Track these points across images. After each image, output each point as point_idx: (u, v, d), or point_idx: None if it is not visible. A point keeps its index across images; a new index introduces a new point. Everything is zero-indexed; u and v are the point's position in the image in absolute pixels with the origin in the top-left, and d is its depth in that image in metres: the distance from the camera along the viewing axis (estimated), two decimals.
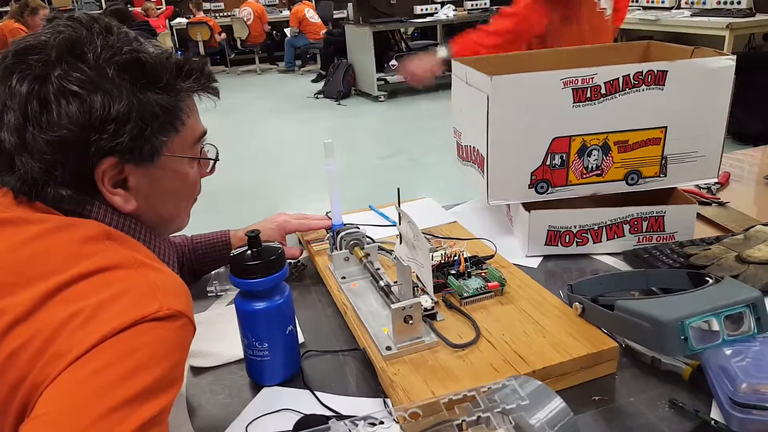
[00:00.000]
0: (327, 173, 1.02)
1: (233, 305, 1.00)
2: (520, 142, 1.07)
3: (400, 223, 0.86)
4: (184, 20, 9.33)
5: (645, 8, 5.11)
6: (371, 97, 6.81)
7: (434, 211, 1.30)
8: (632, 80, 1.05)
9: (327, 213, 1.20)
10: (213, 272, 1.10)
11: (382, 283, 0.87)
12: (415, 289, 0.88)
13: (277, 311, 0.76)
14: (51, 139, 0.61)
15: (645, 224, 1.08)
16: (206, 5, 9.74)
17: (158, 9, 8.88)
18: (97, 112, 0.62)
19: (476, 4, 7.03)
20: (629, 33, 5.52)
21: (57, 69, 0.62)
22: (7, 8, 5.25)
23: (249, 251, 0.75)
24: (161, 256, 0.74)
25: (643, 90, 1.06)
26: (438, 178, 4.18)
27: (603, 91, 1.05)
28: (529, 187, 1.10)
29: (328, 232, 1.14)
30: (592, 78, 1.04)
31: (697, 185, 1.34)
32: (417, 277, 0.88)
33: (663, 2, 4.98)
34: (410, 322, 0.76)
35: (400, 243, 0.88)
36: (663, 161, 1.12)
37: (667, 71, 1.05)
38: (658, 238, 1.09)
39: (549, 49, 1.73)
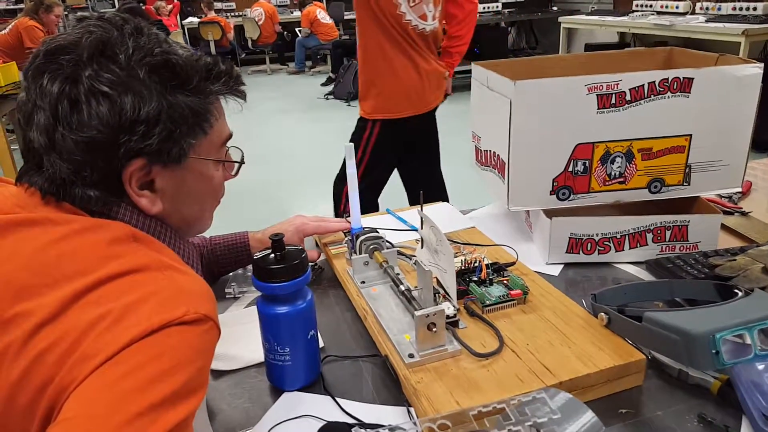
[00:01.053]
0: (348, 176, 1.01)
1: (252, 307, 1.00)
2: (543, 148, 1.06)
3: (422, 227, 0.85)
4: (195, 19, 9.36)
5: (659, 13, 5.07)
6: None
7: (452, 215, 1.29)
8: (657, 87, 1.04)
9: (345, 216, 1.19)
10: (231, 274, 1.09)
11: (402, 288, 0.86)
12: (436, 295, 0.87)
13: (299, 316, 0.76)
14: (80, 140, 0.61)
15: (668, 233, 1.07)
16: (217, 5, 9.77)
17: (168, 7, 8.91)
18: (127, 113, 0.62)
19: (488, 7, 7.01)
20: (644, 38, 5.50)
21: (88, 69, 0.61)
22: (22, 5, 5.30)
23: (272, 255, 0.74)
24: (186, 258, 0.73)
25: (668, 97, 1.05)
26: (447, 180, 4.17)
27: (628, 97, 1.04)
28: (550, 194, 1.09)
29: (346, 236, 1.13)
30: (617, 84, 1.03)
31: (719, 194, 1.32)
32: (437, 282, 0.87)
33: (677, 8, 4.94)
34: (434, 329, 0.75)
35: (422, 247, 0.87)
36: (687, 169, 1.10)
37: (693, 78, 1.04)
38: (682, 248, 1.08)
39: (570, 54, 1.73)
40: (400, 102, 2.25)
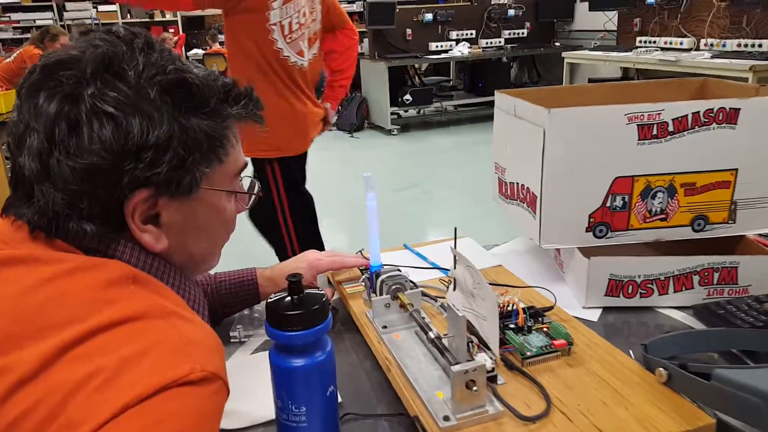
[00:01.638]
0: (368, 209, 0.92)
1: (261, 354, 0.90)
2: (579, 182, 0.98)
3: (455, 267, 0.76)
4: (200, 51, 9.42)
5: (663, 49, 5.08)
6: (384, 130, 6.78)
7: (476, 252, 1.20)
8: (702, 118, 0.96)
9: (360, 251, 1.10)
10: (236, 315, 1.00)
11: (432, 335, 0.76)
12: (470, 344, 0.77)
13: (318, 369, 0.66)
14: (79, 167, 0.52)
15: (716, 276, 0.98)
16: (221, 37, 9.84)
17: (174, 38, 8.97)
18: (134, 137, 0.53)
19: (491, 42, 7.05)
20: (647, 74, 5.49)
21: (91, 87, 0.53)
22: (29, 35, 5.29)
23: (289, 298, 0.65)
24: (191, 302, 0.64)
25: (713, 128, 0.97)
26: (453, 212, 4.09)
27: (670, 128, 0.96)
28: (586, 231, 1.00)
29: (363, 273, 1.04)
30: (659, 114, 0.95)
31: (762, 234, 1.24)
32: (469, 329, 0.77)
33: (681, 44, 4.95)
34: (474, 388, 0.65)
35: (454, 289, 0.78)
36: (732, 206, 1.02)
37: (739, 109, 0.96)
38: (731, 292, 0.99)
39: (597, 84, 1.67)
40: (290, 139, 2.23)
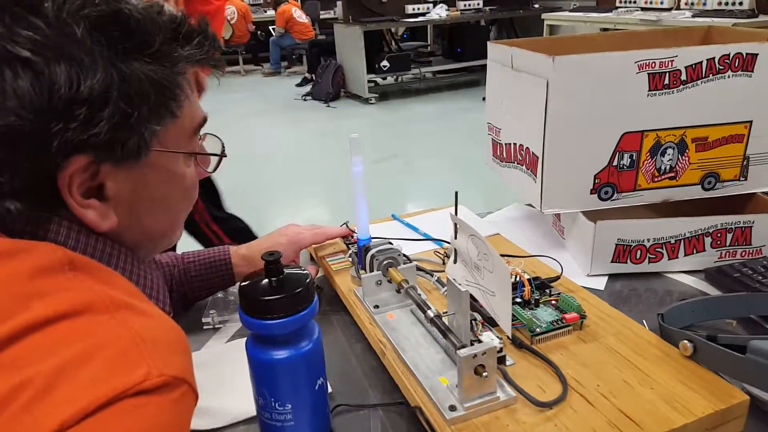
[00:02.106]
0: (353, 175, 0.83)
1: (236, 341, 0.81)
2: (584, 139, 0.89)
3: (456, 237, 0.67)
4: None
5: (644, 9, 4.98)
6: (361, 99, 6.62)
7: (470, 220, 1.10)
8: (717, 65, 0.88)
9: (345, 224, 1.01)
10: (209, 298, 0.90)
11: (431, 314, 0.68)
12: (473, 322, 0.69)
13: (304, 361, 0.57)
14: None
15: (729, 237, 0.91)
16: None
17: None
18: (60, 89, 0.43)
19: (469, 4, 6.88)
20: None
21: None
22: None
23: (267, 281, 0.56)
24: (147, 288, 0.54)
25: (728, 77, 0.88)
26: (436, 183, 4.00)
27: (683, 77, 0.87)
28: (591, 193, 0.92)
29: (349, 248, 0.94)
30: (672, 61, 0.86)
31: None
32: (472, 306, 0.69)
33: (662, 3, 4.86)
34: (484, 374, 0.57)
35: (455, 262, 0.69)
36: (744, 162, 0.95)
37: (757, 54, 0.88)
38: (743, 253, 0.92)
39: (598, 33, 1.57)
40: None
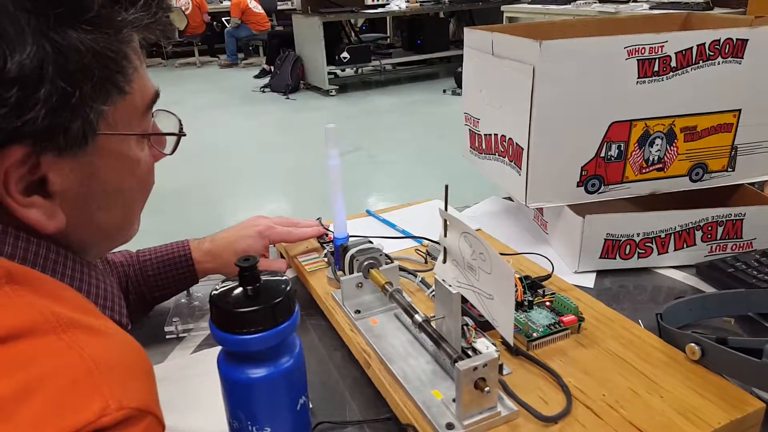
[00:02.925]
0: (330, 168, 0.76)
1: (203, 351, 0.74)
2: (571, 129, 0.84)
3: (445, 235, 0.61)
4: None
5: (601, 1, 5.05)
6: (322, 91, 6.51)
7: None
8: (707, 51, 0.84)
9: (318, 219, 0.94)
10: (172, 302, 0.82)
11: (419, 318, 0.61)
12: (465, 327, 0.63)
13: (285, 379, 0.50)
14: None
15: (720, 230, 0.88)
16: None
17: None
18: None
19: None
20: None
21: None
22: None
23: (242, 290, 0.48)
24: (100, 299, 0.46)
25: (718, 63, 0.85)
26: (401, 175, 3.95)
27: (673, 63, 0.84)
28: (577, 186, 0.88)
29: (324, 247, 0.88)
30: (662, 47, 0.82)
31: (751, 182, 1.15)
32: (464, 309, 0.63)
33: None
34: (486, 389, 0.51)
35: (444, 261, 0.63)
36: (732, 152, 0.92)
37: (747, 40, 0.85)
38: (734, 247, 0.89)
39: (579, 18, 1.53)
40: None
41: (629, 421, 0.54)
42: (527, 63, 0.82)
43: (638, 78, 0.83)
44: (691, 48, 0.83)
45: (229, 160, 4.48)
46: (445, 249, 0.62)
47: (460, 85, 6.07)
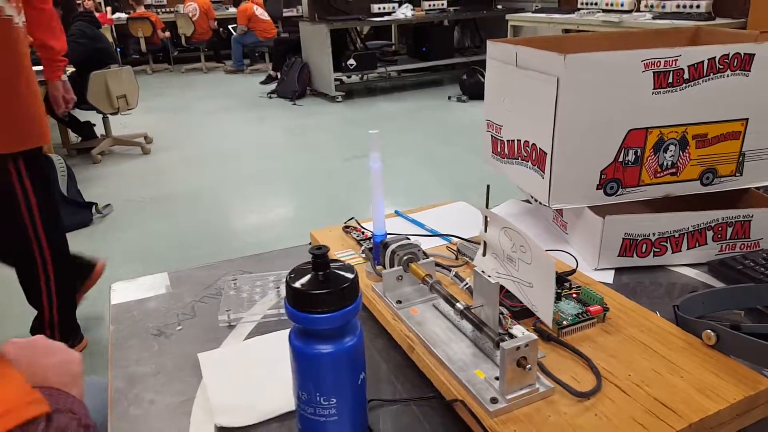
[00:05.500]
0: (372, 171, 0.82)
1: (255, 339, 0.80)
2: (592, 136, 0.91)
3: (486, 230, 0.67)
4: (123, 15, 8.82)
5: (605, 11, 5.13)
6: (328, 97, 6.59)
7: (473, 216, 1.12)
8: (717, 64, 0.91)
9: (352, 219, 1.00)
10: (223, 296, 0.88)
11: (460, 306, 0.68)
12: (501, 315, 0.70)
13: (349, 356, 0.56)
14: None
15: (729, 230, 0.94)
16: (148, 0, 9.25)
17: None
18: None
19: (434, 5, 6.93)
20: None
21: None
22: None
23: (315, 273, 0.55)
24: None
25: (727, 75, 0.92)
26: (409, 180, 4.02)
27: (686, 75, 0.90)
28: (597, 188, 0.94)
29: (361, 244, 0.94)
30: (675, 60, 0.89)
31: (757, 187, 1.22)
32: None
33: (622, 5, 5.01)
34: (527, 366, 0.58)
35: (484, 254, 0.69)
36: (740, 158, 0.98)
37: (753, 55, 0.92)
38: (743, 246, 0.96)
39: (592, 33, 1.60)
40: (36, 123, 1.88)
41: (654, 397, 0.60)
42: (551, 74, 0.89)
43: (654, 89, 0.90)
44: (703, 61, 0.90)
45: (239, 163, 4.55)
46: (484, 243, 0.69)
47: (464, 92, 6.19)
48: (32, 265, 1.96)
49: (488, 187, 0.66)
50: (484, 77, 5.36)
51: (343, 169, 4.31)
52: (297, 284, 0.54)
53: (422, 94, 6.78)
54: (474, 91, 6.12)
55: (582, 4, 5.48)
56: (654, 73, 0.89)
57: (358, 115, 6.03)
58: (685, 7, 4.55)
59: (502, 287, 0.66)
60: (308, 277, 0.55)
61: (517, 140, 1.04)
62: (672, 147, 0.94)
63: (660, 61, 0.89)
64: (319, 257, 0.55)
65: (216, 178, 4.24)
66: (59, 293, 2.05)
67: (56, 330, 2.09)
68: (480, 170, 4.04)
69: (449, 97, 6.34)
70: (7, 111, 1.78)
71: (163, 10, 9.46)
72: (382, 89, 7.16)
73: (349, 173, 4.20)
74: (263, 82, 7.57)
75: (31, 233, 1.92)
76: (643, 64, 0.88)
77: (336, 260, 0.58)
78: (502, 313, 0.70)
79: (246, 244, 3.02)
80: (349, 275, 0.55)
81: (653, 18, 4.49)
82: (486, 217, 0.67)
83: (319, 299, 0.53)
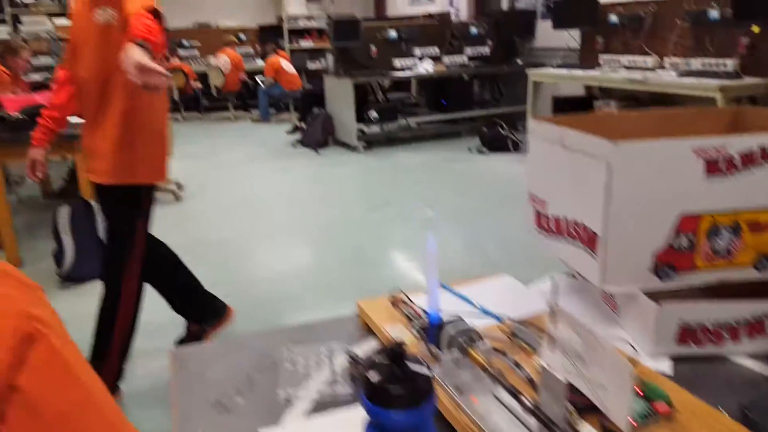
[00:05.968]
0: (427, 252, 0.83)
1: (319, 419, 0.79)
2: (644, 221, 0.92)
3: (556, 327, 0.68)
4: None
5: (627, 68, 5.19)
6: (350, 147, 6.71)
7: (519, 293, 1.12)
8: None
9: (398, 289, 1.01)
10: (279, 368, 0.89)
11: (528, 403, 0.67)
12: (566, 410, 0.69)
13: None
14: None
15: None
16: (181, 51, 9.60)
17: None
18: None
19: (454, 60, 7.09)
20: (611, 92, 5.60)
21: None
22: None
23: (390, 368, 0.55)
24: None
25: None
26: (434, 233, 4.01)
27: (737, 162, 0.91)
28: (650, 272, 0.94)
29: (411, 321, 0.95)
30: (725, 148, 0.90)
31: None
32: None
33: (646, 63, 5.08)
34: None
35: (551, 349, 0.69)
36: None
37: None
38: None
39: (630, 112, 1.63)
40: (163, 160, 2.15)
41: None
42: (600, 158, 0.90)
43: (705, 176, 0.91)
44: (753, 148, 0.91)
45: (265, 211, 4.62)
46: (552, 337, 0.69)
47: (484, 143, 6.25)
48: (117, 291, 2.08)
49: (556, 284, 0.67)
50: (504, 130, 5.44)
51: (366, 219, 4.35)
52: (373, 377, 0.55)
53: (442, 145, 6.86)
54: (494, 144, 6.19)
55: (604, 60, 5.57)
56: (705, 160, 0.90)
57: (380, 165, 6.11)
58: (711, 65, 4.59)
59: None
60: (385, 370, 0.55)
61: (564, 217, 1.05)
62: (725, 232, 0.95)
63: (710, 150, 0.90)
64: (398, 354, 0.55)
65: (245, 226, 4.30)
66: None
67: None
68: (506, 225, 4.06)
69: (469, 149, 6.41)
70: (159, 149, 2.07)
71: (194, 61, 9.79)
72: (401, 139, 7.26)
73: (371, 224, 4.24)
74: (289, 132, 7.74)
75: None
76: (694, 153, 0.89)
77: (412, 357, 0.58)
78: (568, 409, 0.70)
79: (276, 293, 3.07)
80: (425, 375, 0.56)
81: (679, 76, 4.53)
82: (553, 311, 0.67)
83: (395, 396, 0.54)
